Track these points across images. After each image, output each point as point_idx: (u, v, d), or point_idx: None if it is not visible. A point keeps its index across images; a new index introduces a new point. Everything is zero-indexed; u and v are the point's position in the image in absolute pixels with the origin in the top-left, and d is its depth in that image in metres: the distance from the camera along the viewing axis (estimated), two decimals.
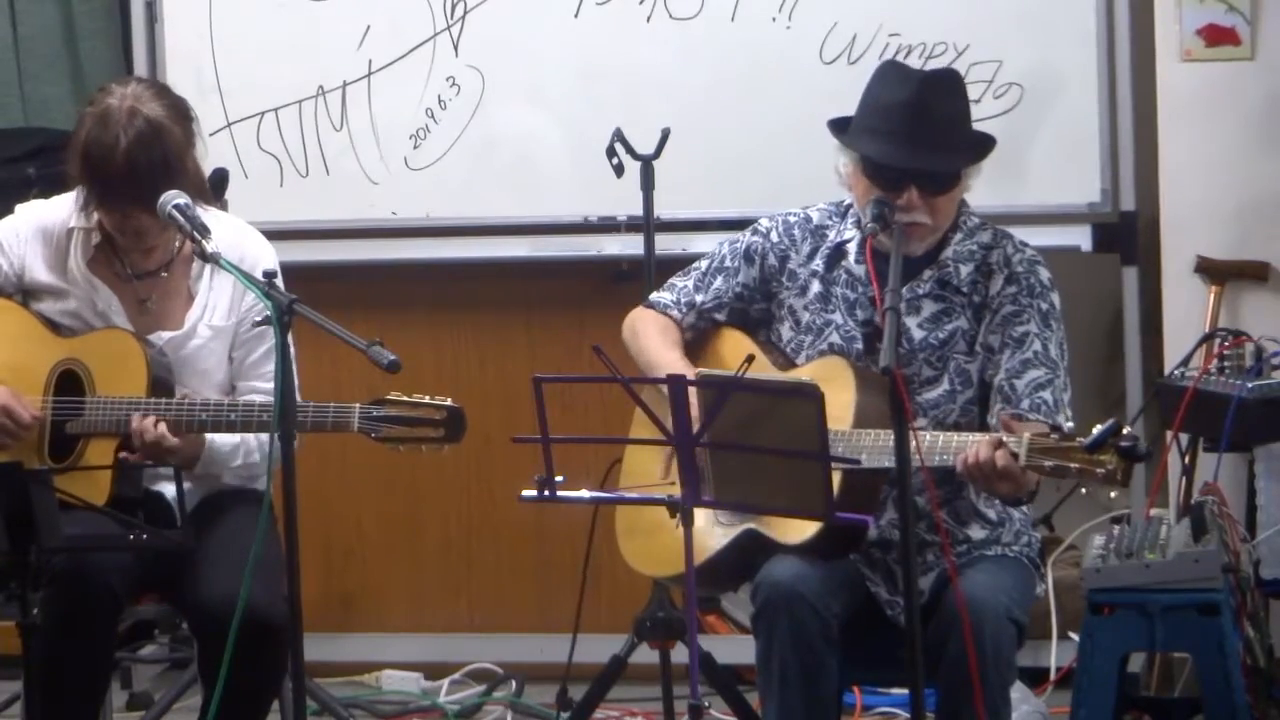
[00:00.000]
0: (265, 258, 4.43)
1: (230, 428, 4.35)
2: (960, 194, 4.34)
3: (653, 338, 4.49)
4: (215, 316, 4.50)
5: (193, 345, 4.48)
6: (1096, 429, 3.86)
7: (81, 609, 4.22)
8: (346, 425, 4.27)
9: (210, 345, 4.49)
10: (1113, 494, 4.00)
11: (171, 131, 4.34)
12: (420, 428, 4.26)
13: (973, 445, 4.00)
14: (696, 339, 4.52)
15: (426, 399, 4.27)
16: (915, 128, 4.24)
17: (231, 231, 4.47)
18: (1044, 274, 4.35)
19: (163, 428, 4.29)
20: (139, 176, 4.28)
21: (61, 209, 4.52)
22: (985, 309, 4.32)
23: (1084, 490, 3.97)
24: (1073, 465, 3.90)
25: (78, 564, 4.19)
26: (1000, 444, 3.97)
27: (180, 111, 4.41)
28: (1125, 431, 3.86)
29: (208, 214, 4.33)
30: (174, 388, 4.41)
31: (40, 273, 4.50)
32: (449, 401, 4.27)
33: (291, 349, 3.97)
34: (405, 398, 4.26)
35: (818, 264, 4.41)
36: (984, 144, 4.35)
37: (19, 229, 4.53)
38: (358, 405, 4.27)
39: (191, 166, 4.39)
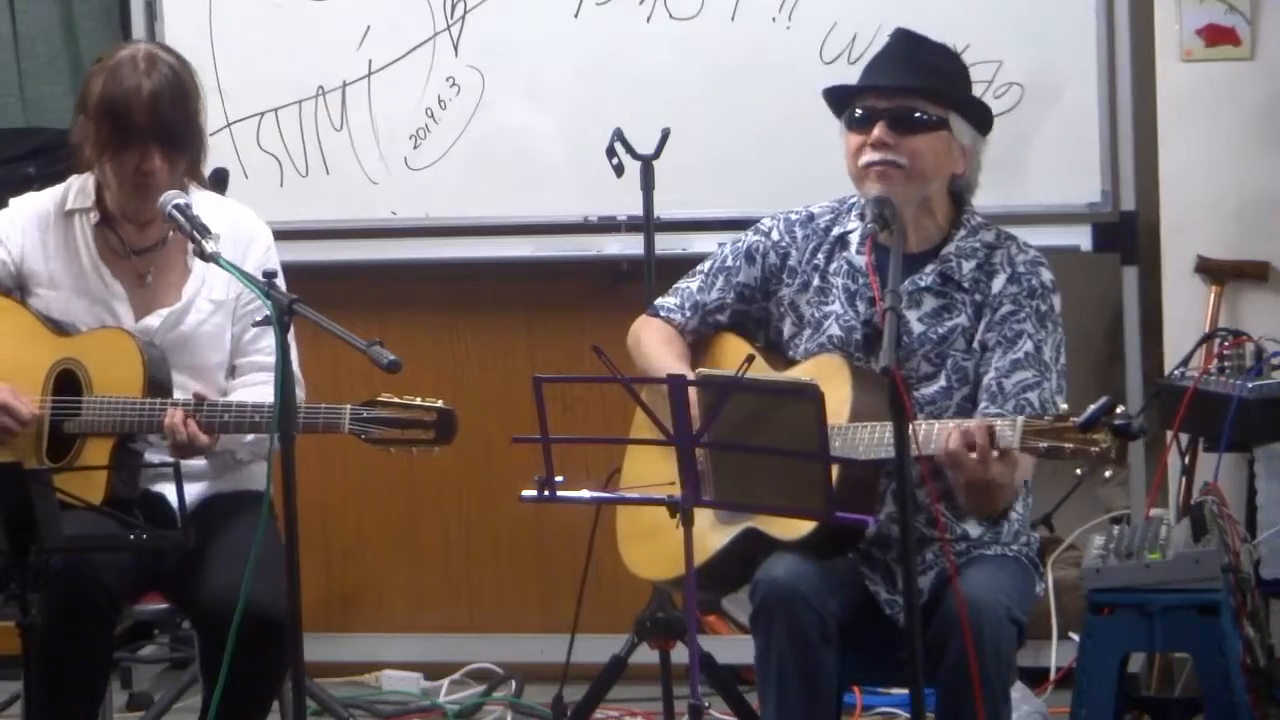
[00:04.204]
0: (260, 235, 4.50)
1: (224, 429, 4.34)
2: (946, 152, 4.27)
3: (656, 348, 4.49)
4: (214, 291, 4.50)
5: (191, 319, 4.49)
6: (1090, 407, 3.86)
7: (79, 609, 4.22)
8: (337, 427, 4.26)
9: (211, 320, 4.50)
10: (1108, 473, 3.98)
11: (190, 80, 4.42)
12: (411, 429, 4.24)
13: (951, 430, 3.99)
14: (697, 343, 4.52)
15: (417, 400, 4.25)
16: (887, 66, 4.30)
17: (227, 212, 4.50)
18: (1046, 276, 4.33)
19: (194, 427, 4.28)
20: (162, 112, 4.32)
21: (52, 197, 4.54)
22: (985, 307, 4.31)
23: (1079, 470, 3.95)
24: (1067, 445, 3.89)
25: (74, 564, 4.19)
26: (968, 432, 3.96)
27: (190, 69, 4.47)
28: (1119, 410, 3.86)
29: (203, 193, 4.41)
30: (171, 388, 4.40)
31: (38, 260, 4.50)
32: (440, 403, 4.26)
33: (294, 352, 3.97)
34: (396, 399, 4.25)
35: (819, 259, 4.41)
36: (964, 95, 4.33)
37: (14, 219, 4.55)
38: (348, 407, 4.26)
39: (202, 125, 4.46)
